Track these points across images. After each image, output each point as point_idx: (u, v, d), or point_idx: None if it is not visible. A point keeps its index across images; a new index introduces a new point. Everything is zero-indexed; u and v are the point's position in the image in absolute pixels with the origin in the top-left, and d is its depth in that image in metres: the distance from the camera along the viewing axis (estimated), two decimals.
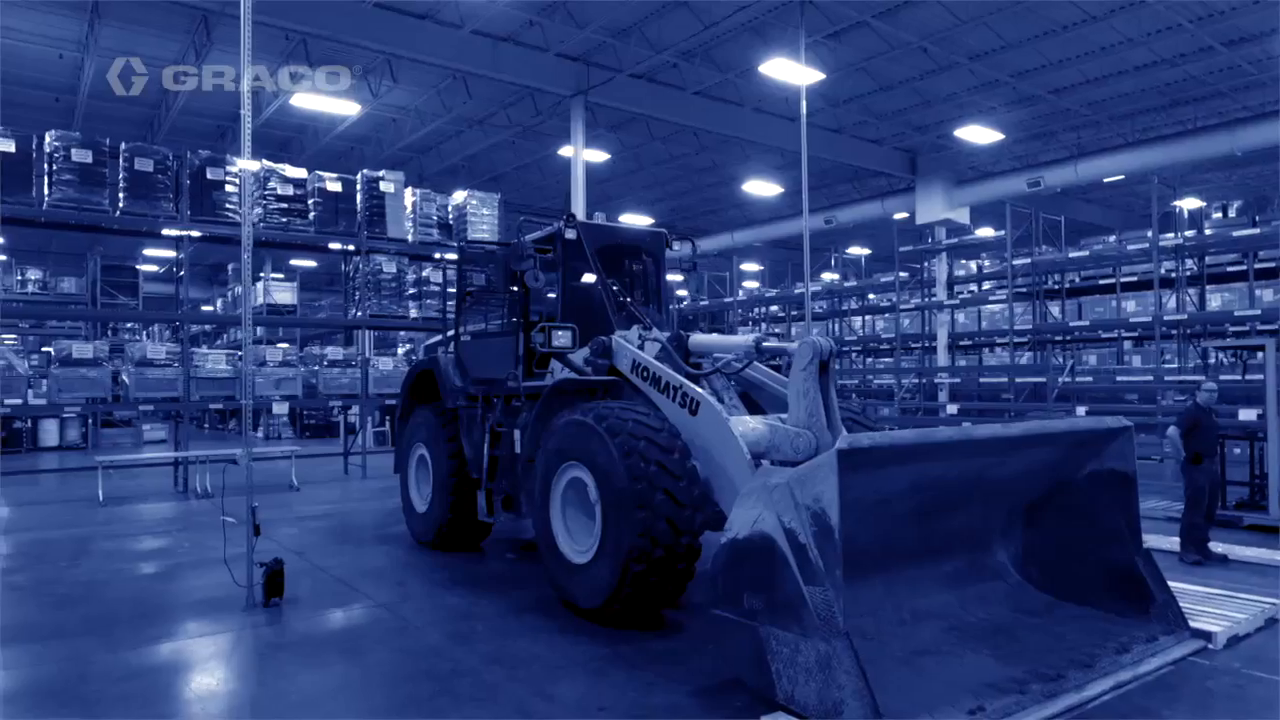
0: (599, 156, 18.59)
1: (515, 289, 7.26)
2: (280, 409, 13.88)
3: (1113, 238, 19.86)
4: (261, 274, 23.77)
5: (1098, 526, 5.38)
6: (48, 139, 11.45)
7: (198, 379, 12.84)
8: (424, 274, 15.17)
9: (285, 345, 23.99)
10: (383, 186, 13.93)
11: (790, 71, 12.54)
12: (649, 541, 5.17)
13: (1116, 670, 4.51)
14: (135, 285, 20.36)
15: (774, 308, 26.56)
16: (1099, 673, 4.45)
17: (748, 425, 5.75)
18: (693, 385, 5.87)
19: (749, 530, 4.17)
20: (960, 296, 21.00)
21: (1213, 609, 5.54)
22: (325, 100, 15.14)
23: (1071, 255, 17.87)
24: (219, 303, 28.57)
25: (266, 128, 17.33)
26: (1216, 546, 7.63)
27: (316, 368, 14.40)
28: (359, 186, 13.76)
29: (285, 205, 13.12)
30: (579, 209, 14.50)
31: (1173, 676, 4.56)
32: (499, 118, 16.97)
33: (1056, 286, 18.58)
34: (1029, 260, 17.48)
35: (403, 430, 9.02)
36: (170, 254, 28.08)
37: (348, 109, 15.85)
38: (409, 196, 14.48)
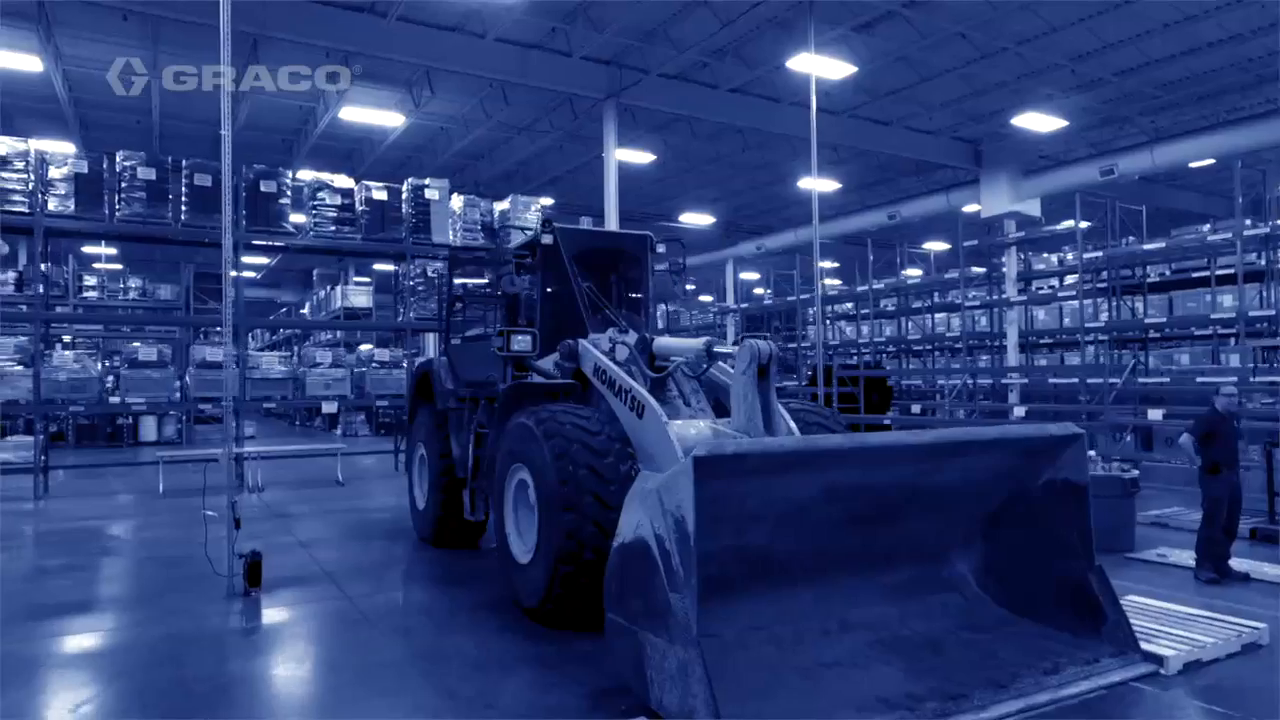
0: (644, 157, 18.66)
1: (500, 293, 7.46)
2: (329, 408, 14.62)
3: (1206, 227, 18.46)
4: (341, 278, 25.11)
5: (1054, 539, 5.11)
6: (117, 158, 12.43)
7: (253, 380, 13.67)
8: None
9: (366, 347, 25.20)
10: (427, 194, 14.42)
11: (818, 65, 12.28)
12: (576, 544, 5.23)
13: (1035, 691, 4.26)
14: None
15: (847, 305, 26.02)
16: (1013, 693, 4.22)
17: (693, 429, 5.72)
18: (640, 388, 5.86)
19: (632, 535, 4.18)
20: (1039, 291, 19.98)
21: (1185, 631, 5.13)
22: (371, 113, 15.81)
23: (1147, 247, 16.77)
24: (307, 306, 30.28)
25: (327, 140, 18.21)
26: (1241, 564, 7.06)
27: (364, 369, 15.06)
28: (405, 194, 14.28)
29: (334, 214, 13.80)
30: (612, 211, 14.62)
31: (1101, 701, 4.27)
32: (542, 123, 17.28)
33: (1139, 281, 17.45)
34: (1102, 254, 16.51)
35: (409, 430, 9.37)
36: (258, 261, 29.68)
37: (393, 120, 16.50)
38: (455, 202, 14.93)
